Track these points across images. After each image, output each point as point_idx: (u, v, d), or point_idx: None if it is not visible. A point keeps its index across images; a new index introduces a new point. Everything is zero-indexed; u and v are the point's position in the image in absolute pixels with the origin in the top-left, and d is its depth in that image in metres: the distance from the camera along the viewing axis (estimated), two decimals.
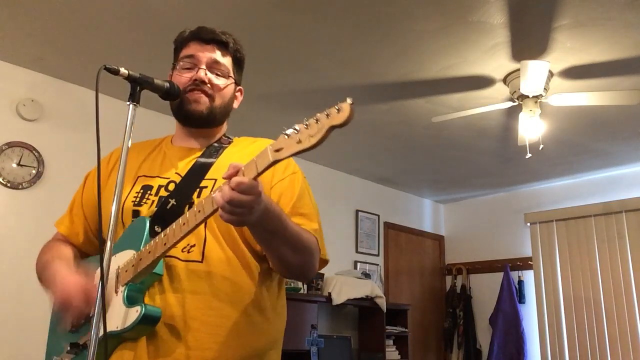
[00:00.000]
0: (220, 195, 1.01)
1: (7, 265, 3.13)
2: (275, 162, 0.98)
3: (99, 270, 1.19)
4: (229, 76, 1.39)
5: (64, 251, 1.39)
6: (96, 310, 1.08)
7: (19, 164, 3.26)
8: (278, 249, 1.19)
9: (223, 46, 1.39)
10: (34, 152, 3.32)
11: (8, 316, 3.07)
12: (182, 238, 1.11)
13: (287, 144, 0.96)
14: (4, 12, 2.78)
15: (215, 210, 1.05)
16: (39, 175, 3.33)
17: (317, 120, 0.92)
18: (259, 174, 1.00)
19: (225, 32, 1.40)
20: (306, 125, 0.93)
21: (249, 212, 1.03)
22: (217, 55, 1.37)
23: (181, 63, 1.38)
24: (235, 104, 1.46)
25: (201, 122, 1.37)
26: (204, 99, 1.35)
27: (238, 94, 1.47)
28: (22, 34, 2.99)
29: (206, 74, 1.35)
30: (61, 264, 1.30)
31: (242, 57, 1.45)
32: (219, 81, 1.37)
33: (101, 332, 1.07)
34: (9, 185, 3.22)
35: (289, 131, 0.96)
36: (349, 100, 0.90)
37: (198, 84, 1.34)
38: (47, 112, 3.43)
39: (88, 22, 2.86)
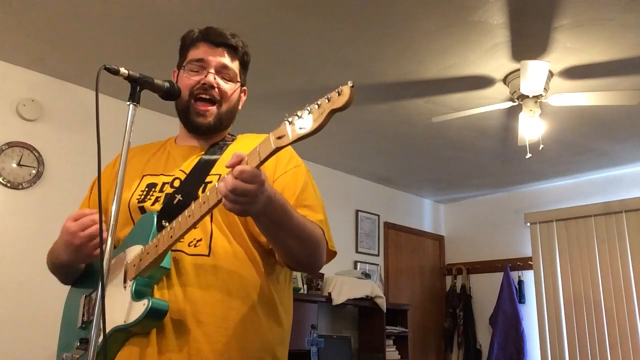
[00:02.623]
0: (223, 185, 1.01)
1: (7, 265, 3.13)
2: (277, 149, 0.98)
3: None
4: (237, 80, 1.40)
5: None
6: (96, 311, 1.08)
7: (19, 164, 3.26)
8: (284, 240, 1.19)
9: (232, 50, 1.39)
10: (34, 152, 3.32)
11: (8, 316, 3.07)
12: (188, 230, 1.11)
13: (289, 130, 0.96)
14: (4, 12, 2.78)
15: (220, 201, 1.05)
16: (39, 175, 3.33)
17: (318, 105, 0.93)
18: (262, 162, 1.01)
19: (234, 35, 1.41)
20: (308, 110, 0.94)
21: (252, 201, 1.02)
22: (226, 59, 1.38)
23: (190, 65, 1.38)
24: (240, 105, 1.47)
25: (208, 132, 1.39)
26: (211, 110, 1.36)
27: (242, 94, 1.48)
28: (22, 34, 2.99)
29: (215, 79, 1.35)
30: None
31: (249, 59, 1.46)
32: (227, 86, 1.38)
33: (102, 331, 1.07)
34: (9, 185, 3.22)
35: (291, 118, 0.96)
36: (349, 83, 0.90)
37: (206, 88, 1.34)
38: (47, 112, 3.43)
39: (88, 22, 2.86)
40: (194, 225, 1.11)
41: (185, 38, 1.42)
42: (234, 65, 1.40)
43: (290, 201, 1.24)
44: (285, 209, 1.13)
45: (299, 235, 1.18)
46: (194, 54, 1.38)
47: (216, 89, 1.35)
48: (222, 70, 1.37)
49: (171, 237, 1.13)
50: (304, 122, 0.93)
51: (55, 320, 1.52)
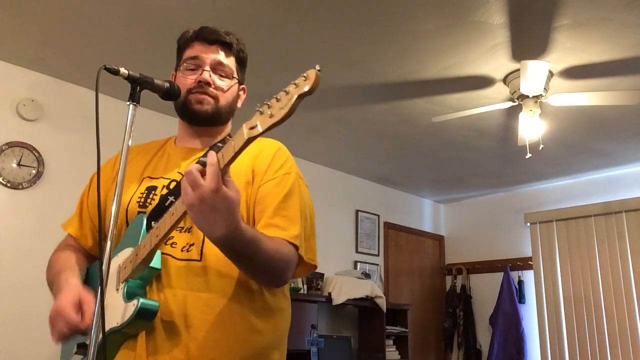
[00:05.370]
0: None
1: (7, 265, 3.13)
2: (250, 139, 0.98)
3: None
4: (233, 77, 1.40)
5: (73, 260, 1.38)
6: (96, 311, 1.08)
7: (19, 164, 3.26)
8: (245, 269, 1.19)
9: (227, 47, 1.39)
10: (34, 152, 3.32)
11: (8, 315, 3.07)
12: (172, 227, 1.11)
13: (261, 120, 0.97)
14: (4, 12, 2.78)
15: None
16: (39, 175, 3.33)
17: (286, 92, 0.94)
18: (237, 154, 1.00)
19: (228, 32, 1.41)
20: (277, 98, 0.95)
21: (187, 193, 1.01)
22: (221, 56, 1.38)
23: (185, 64, 1.38)
24: (239, 103, 1.46)
25: (207, 121, 1.38)
26: (209, 100, 1.35)
27: (241, 92, 1.47)
28: (22, 34, 2.99)
29: (210, 76, 1.35)
30: (68, 276, 1.28)
31: (245, 56, 1.45)
32: (223, 82, 1.38)
33: (101, 334, 1.07)
34: (9, 185, 3.22)
35: (262, 108, 0.97)
36: (317, 67, 0.92)
37: (202, 86, 1.34)
38: (47, 112, 3.43)
39: (88, 22, 2.86)
40: (177, 223, 1.11)
41: (180, 39, 1.43)
42: (229, 62, 1.40)
43: (268, 209, 1.24)
44: (250, 245, 1.10)
45: (262, 269, 1.17)
46: (189, 53, 1.38)
47: (212, 86, 1.35)
48: (217, 67, 1.37)
49: (157, 235, 1.13)
50: (274, 110, 0.94)
51: None
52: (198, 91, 1.35)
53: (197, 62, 1.37)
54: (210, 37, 1.38)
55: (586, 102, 3.36)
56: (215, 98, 1.36)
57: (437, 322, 5.93)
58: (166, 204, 1.26)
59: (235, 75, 1.41)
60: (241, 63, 1.44)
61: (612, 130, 4.17)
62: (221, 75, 1.38)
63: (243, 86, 1.48)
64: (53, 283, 1.31)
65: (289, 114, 0.93)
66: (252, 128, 0.97)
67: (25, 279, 3.11)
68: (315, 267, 1.31)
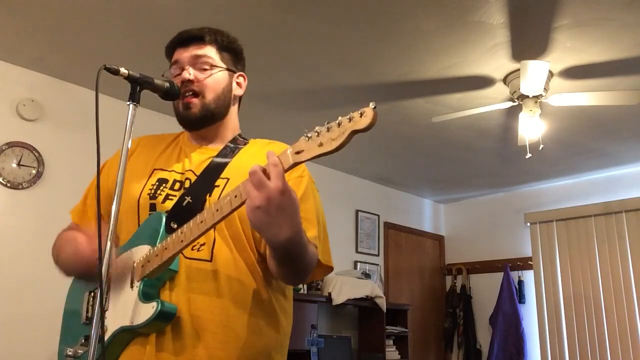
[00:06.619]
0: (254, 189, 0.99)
1: (7, 265, 3.13)
2: (295, 164, 0.97)
3: (119, 256, 1.20)
4: (214, 65, 1.38)
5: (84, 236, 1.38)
6: (96, 310, 1.08)
7: (19, 164, 3.26)
8: (286, 270, 1.19)
9: (199, 40, 1.38)
10: (34, 152, 3.32)
11: (8, 315, 3.07)
12: (199, 236, 1.11)
13: (308, 146, 0.94)
14: (4, 12, 2.78)
15: (232, 211, 1.05)
16: (39, 175, 3.33)
17: (339, 124, 0.91)
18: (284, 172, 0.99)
19: (202, 28, 1.40)
20: (328, 128, 0.92)
21: (251, 195, 0.98)
22: (196, 50, 1.37)
23: (171, 72, 1.39)
24: (240, 91, 1.45)
25: (199, 123, 1.37)
26: (194, 102, 1.35)
27: (241, 79, 1.46)
28: (22, 34, 2.99)
29: (190, 73, 1.35)
30: (83, 235, 1.30)
31: (229, 42, 1.43)
32: (204, 75, 1.37)
33: (105, 329, 1.08)
34: (9, 185, 3.22)
35: (311, 133, 0.94)
36: (372, 105, 0.89)
37: (187, 85, 1.34)
38: (47, 112, 3.43)
39: (88, 22, 2.86)
40: (205, 232, 1.11)
41: (165, 54, 1.43)
42: (207, 51, 1.38)
43: None
44: (301, 249, 1.11)
45: (302, 269, 1.18)
46: (172, 60, 1.40)
47: (195, 82, 1.35)
48: (196, 62, 1.36)
49: (182, 241, 1.13)
50: (323, 139, 0.92)
51: (55, 319, 1.52)
52: (184, 91, 1.34)
53: (178, 65, 1.37)
54: (182, 38, 1.39)
55: (586, 102, 3.36)
56: (201, 94, 1.35)
57: (437, 322, 5.93)
58: (184, 204, 1.26)
59: (219, 63, 1.39)
60: (225, 50, 1.41)
61: (612, 130, 4.17)
62: (204, 69, 1.37)
63: (240, 73, 1.45)
64: (68, 241, 1.31)
65: (339, 147, 0.91)
66: (298, 152, 0.96)
67: (25, 279, 3.11)
68: (331, 268, 1.31)
